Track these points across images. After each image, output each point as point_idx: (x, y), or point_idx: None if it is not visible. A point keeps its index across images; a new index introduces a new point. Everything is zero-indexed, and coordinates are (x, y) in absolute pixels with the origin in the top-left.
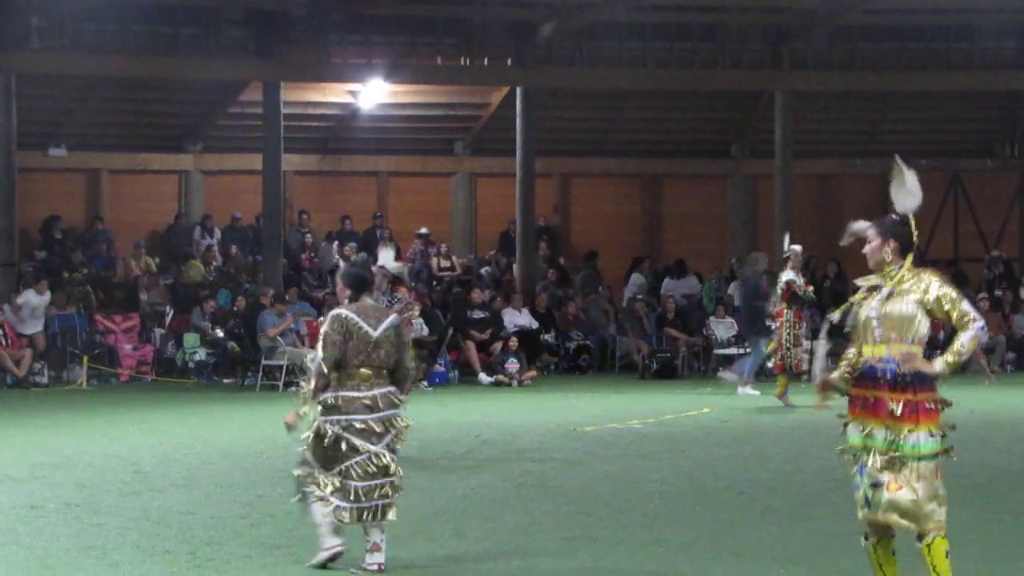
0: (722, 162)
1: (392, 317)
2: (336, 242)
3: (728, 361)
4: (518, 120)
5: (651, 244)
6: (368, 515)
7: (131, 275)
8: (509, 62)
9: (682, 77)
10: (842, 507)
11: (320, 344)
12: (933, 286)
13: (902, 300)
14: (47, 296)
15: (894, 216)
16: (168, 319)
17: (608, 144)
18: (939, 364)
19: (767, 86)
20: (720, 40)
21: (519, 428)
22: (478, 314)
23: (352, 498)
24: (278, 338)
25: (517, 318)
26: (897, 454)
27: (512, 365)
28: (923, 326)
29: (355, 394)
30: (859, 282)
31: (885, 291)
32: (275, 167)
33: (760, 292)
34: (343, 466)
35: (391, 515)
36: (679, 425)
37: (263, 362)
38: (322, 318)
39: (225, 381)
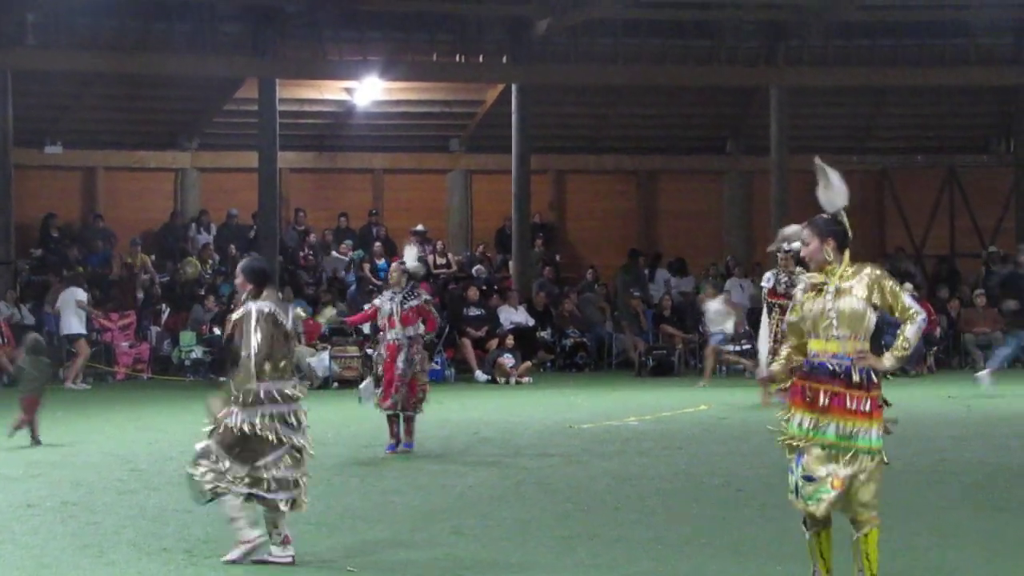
0: (718, 158)
1: (296, 311)
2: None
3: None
4: (513, 117)
5: (647, 240)
6: (285, 506)
7: (127, 273)
8: (504, 59)
9: (677, 73)
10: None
11: (256, 338)
12: (876, 279)
13: (851, 296)
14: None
15: (825, 216)
16: (164, 317)
17: (603, 140)
18: (888, 360)
19: (762, 82)
20: (715, 36)
21: (517, 426)
22: (474, 311)
23: (270, 488)
24: None
25: (514, 315)
26: (849, 447)
27: (507, 360)
28: (871, 322)
29: (280, 386)
30: (803, 279)
31: (832, 288)
32: (271, 164)
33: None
34: (267, 459)
35: (304, 507)
36: (676, 422)
37: None
38: (239, 314)
39: (221, 379)
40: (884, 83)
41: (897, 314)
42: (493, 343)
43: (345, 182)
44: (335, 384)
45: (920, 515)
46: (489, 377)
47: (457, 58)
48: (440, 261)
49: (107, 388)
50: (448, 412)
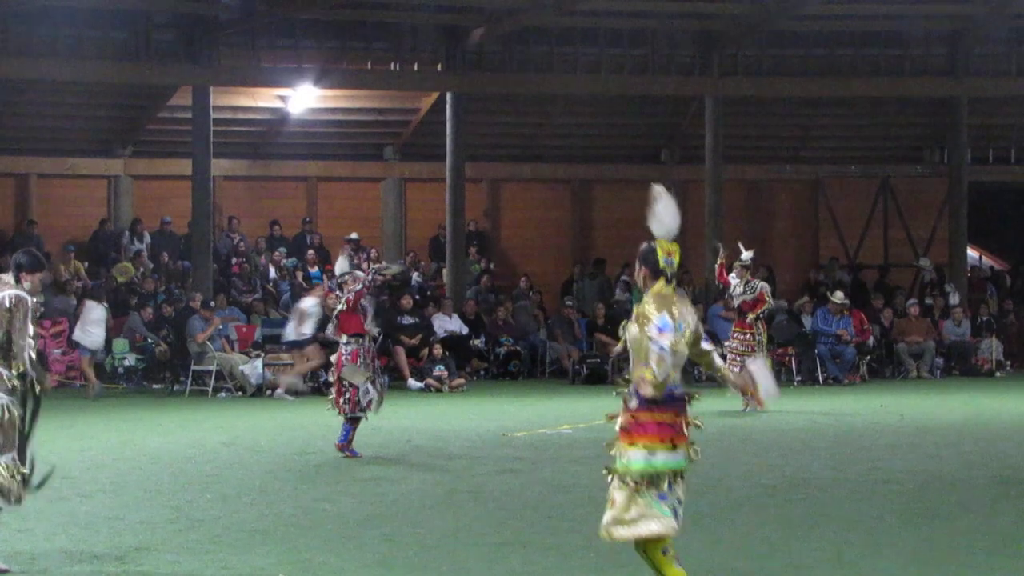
0: (652, 167)
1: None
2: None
3: None
4: (448, 125)
5: (581, 249)
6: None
7: (60, 279)
8: (439, 67)
9: (612, 82)
10: (769, 512)
11: (24, 329)
12: (640, 315)
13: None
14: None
15: (649, 243)
16: None
17: (538, 149)
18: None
19: (697, 91)
20: (650, 46)
21: (449, 434)
22: (408, 319)
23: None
24: (207, 344)
25: (447, 323)
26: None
27: (441, 373)
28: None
29: (7, 374)
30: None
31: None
32: (204, 172)
33: None
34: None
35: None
36: (609, 430)
37: (192, 368)
38: (9, 301)
39: (155, 387)
40: (818, 93)
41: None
42: (427, 351)
43: (279, 190)
44: (268, 392)
45: (852, 524)
46: (422, 386)
47: (392, 66)
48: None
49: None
50: (381, 419)
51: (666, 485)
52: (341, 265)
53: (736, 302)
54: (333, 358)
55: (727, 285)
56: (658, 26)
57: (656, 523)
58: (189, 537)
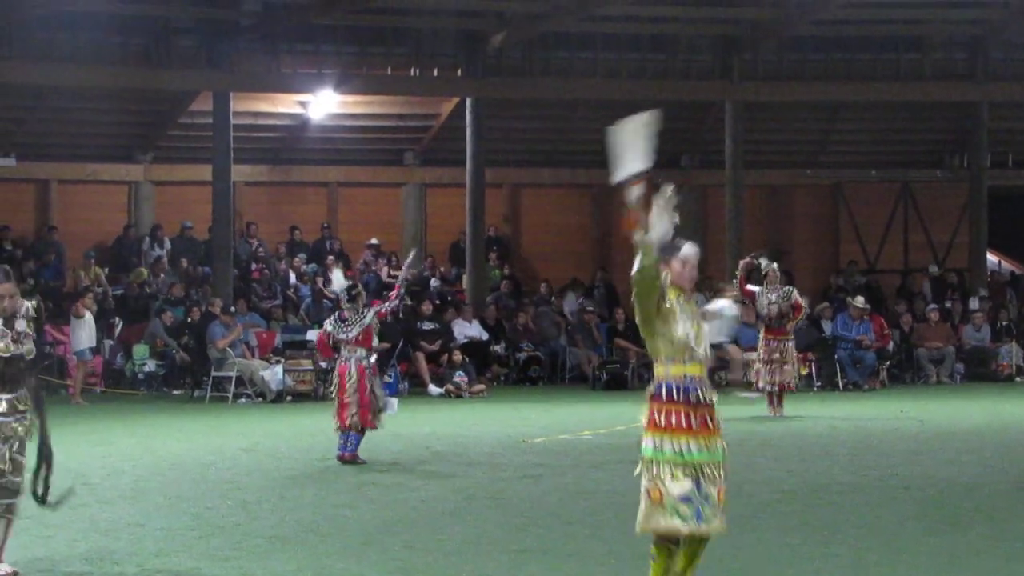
0: (672, 173)
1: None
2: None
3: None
4: (468, 130)
5: (602, 255)
6: None
7: (80, 285)
8: (459, 72)
9: (632, 87)
10: (791, 518)
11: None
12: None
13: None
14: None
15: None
16: (118, 330)
17: (558, 155)
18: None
19: (717, 96)
20: (670, 51)
21: (469, 440)
22: (428, 325)
23: None
24: (227, 349)
25: (467, 329)
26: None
27: (460, 379)
28: None
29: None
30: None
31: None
32: (225, 178)
33: None
34: None
35: None
36: (630, 436)
37: (212, 373)
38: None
39: (174, 392)
40: (838, 98)
41: None
42: (446, 357)
43: (299, 195)
44: (288, 398)
45: (871, 530)
46: (442, 391)
47: (412, 72)
48: (394, 275)
49: (59, 401)
50: (401, 426)
51: (691, 483)
52: (338, 279)
53: (768, 311)
54: (337, 371)
55: (749, 296)
56: (678, 31)
57: (663, 520)
58: (210, 544)
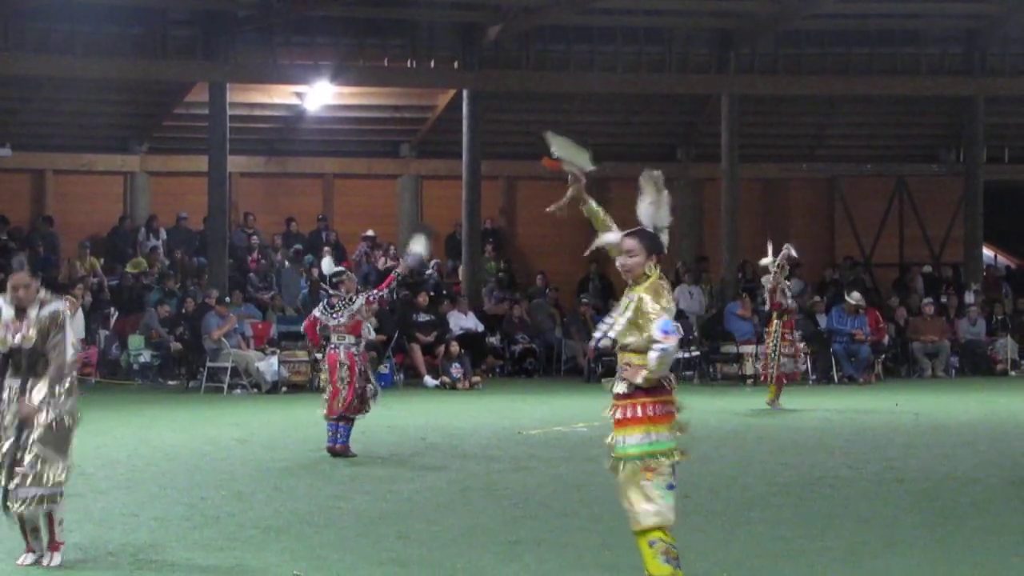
0: (668, 165)
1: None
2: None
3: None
4: (464, 123)
5: (597, 247)
6: None
7: (75, 276)
8: (456, 64)
9: (629, 80)
10: (785, 510)
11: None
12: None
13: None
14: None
15: (649, 231)
16: (113, 320)
17: None
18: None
19: (713, 90)
20: (667, 44)
21: (464, 431)
22: (424, 317)
23: None
24: (223, 340)
25: (463, 321)
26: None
27: (456, 371)
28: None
29: None
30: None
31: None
32: (221, 168)
33: None
34: None
35: None
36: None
37: (208, 364)
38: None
39: (170, 383)
40: (834, 92)
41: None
42: (441, 349)
43: (295, 186)
44: (283, 389)
45: (866, 523)
46: (438, 383)
47: (408, 63)
48: (390, 266)
49: None
50: (396, 417)
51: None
52: (327, 265)
53: (789, 303)
54: (326, 359)
55: (778, 308)
56: (675, 24)
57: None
58: (204, 534)
